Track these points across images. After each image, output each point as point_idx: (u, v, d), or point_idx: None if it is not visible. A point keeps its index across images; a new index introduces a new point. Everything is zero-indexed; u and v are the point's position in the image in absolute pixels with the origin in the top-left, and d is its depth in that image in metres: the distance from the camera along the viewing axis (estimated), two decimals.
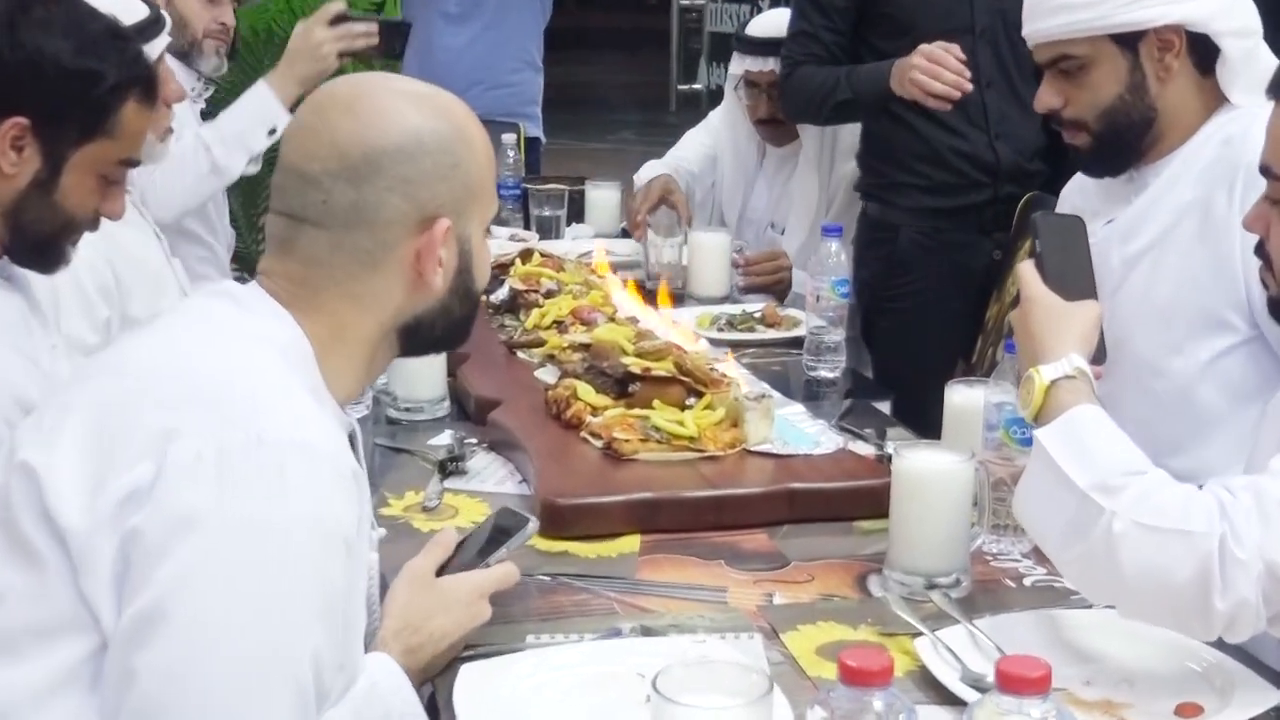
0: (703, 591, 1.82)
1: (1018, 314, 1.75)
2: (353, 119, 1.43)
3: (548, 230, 3.84)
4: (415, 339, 1.51)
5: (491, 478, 2.19)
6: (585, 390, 2.29)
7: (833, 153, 3.52)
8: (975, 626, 1.65)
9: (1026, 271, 1.76)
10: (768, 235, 3.65)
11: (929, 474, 1.79)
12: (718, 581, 1.85)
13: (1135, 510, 1.51)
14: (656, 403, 2.23)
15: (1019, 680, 1.20)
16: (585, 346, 2.48)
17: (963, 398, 2.10)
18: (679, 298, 3.21)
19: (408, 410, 2.45)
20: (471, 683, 1.56)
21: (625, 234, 3.89)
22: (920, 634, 1.65)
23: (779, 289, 3.40)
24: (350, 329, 1.46)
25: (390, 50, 3.32)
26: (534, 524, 1.77)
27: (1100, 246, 2.01)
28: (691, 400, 2.26)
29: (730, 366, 2.41)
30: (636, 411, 2.22)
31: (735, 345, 2.82)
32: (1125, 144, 2.11)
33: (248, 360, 1.39)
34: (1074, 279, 1.75)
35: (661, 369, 2.28)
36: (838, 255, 2.74)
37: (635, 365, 2.30)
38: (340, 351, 1.46)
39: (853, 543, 1.98)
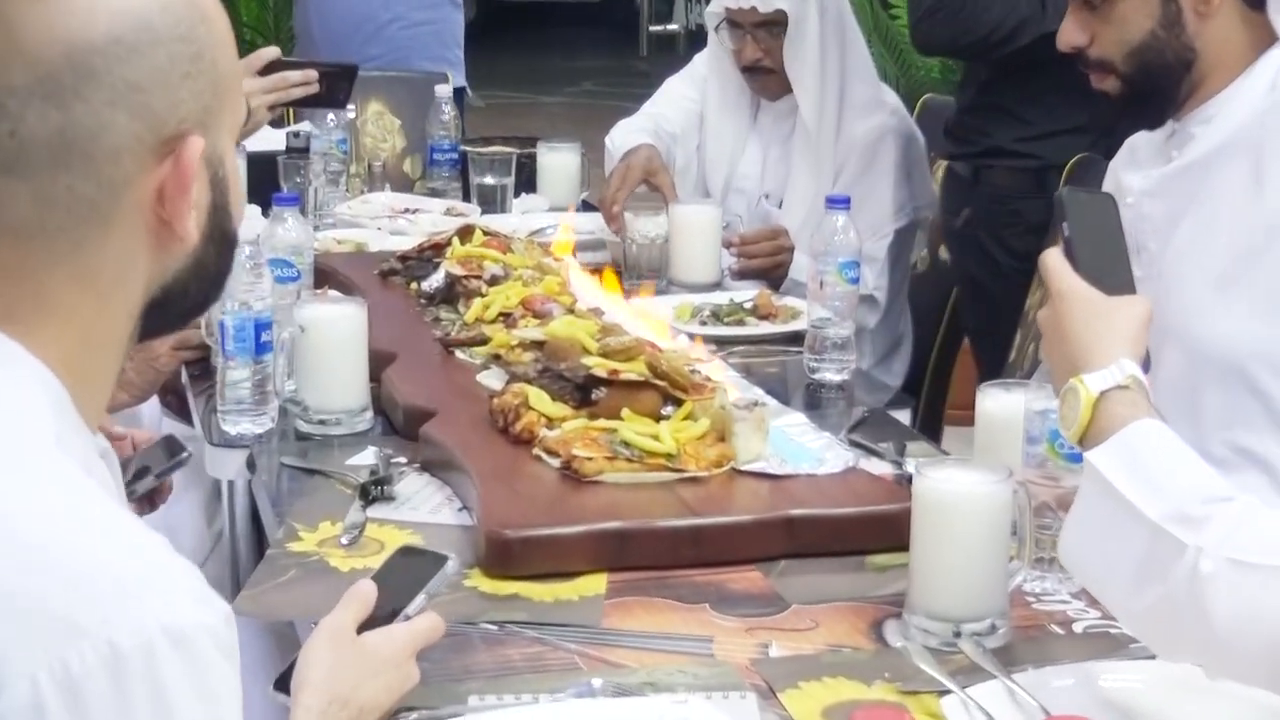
0: (684, 641, 1.83)
1: (1047, 313, 1.72)
2: (41, 6, 1.19)
3: (491, 202, 3.85)
4: (164, 314, 1.32)
5: (424, 504, 2.19)
6: (538, 398, 2.29)
7: (839, 109, 3.52)
8: (1014, 682, 1.66)
9: (1054, 260, 1.72)
10: (760, 209, 3.66)
11: (958, 497, 1.80)
12: (702, 629, 1.86)
13: (1226, 545, 1.48)
14: (625, 412, 2.23)
15: None
16: (538, 345, 2.48)
17: (998, 404, 2.10)
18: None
19: (322, 423, 2.45)
20: None
21: (587, 206, 3.90)
22: (948, 691, 1.66)
23: (778, 274, 3.41)
24: (92, 332, 1.25)
25: (334, 98, 3.36)
26: (454, 562, 1.75)
27: (1134, 211, 2.09)
28: (668, 409, 2.27)
29: (715, 368, 2.42)
30: (601, 423, 2.22)
31: (721, 342, 2.83)
32: (1159, 89, 2.17)
33: (37, 500, 1.15)
34: (1111, 269, 1.73)
35: (631, 371, 2.29)
36: (845, 232, 2.75)
37: (599, 367, 2.31)
38: (90, 369, 1.26)
39: (865, 581, 1.99)
